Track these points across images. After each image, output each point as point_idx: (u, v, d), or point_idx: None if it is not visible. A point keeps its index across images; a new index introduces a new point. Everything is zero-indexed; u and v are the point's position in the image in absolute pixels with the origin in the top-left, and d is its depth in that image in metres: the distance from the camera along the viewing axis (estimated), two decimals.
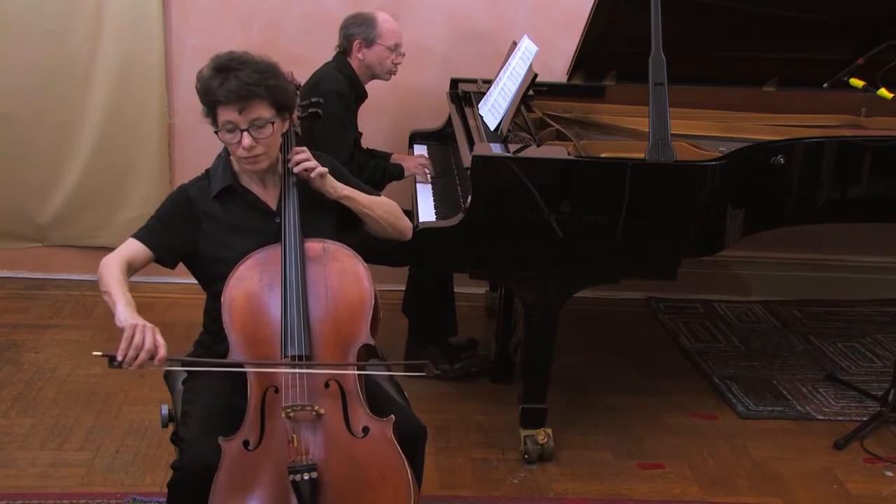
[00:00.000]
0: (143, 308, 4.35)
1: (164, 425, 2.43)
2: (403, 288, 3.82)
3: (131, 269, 2.32)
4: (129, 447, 3.16)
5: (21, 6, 4.05)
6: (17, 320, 4.05)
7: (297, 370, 2.19)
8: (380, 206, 2.54)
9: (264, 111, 2.30)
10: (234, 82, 2.25)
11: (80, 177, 4.26)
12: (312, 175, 2.40)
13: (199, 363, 2.36)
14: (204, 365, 2.36)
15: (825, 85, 3.49)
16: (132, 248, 2.34)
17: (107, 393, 3.48)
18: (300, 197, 2.39)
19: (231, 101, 2.26)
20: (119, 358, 2.06)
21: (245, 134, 2.29)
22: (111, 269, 2.27)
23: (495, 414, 3.46)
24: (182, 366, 2.36)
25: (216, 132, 2.33)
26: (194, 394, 2.35)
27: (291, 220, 2.35)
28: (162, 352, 2.08)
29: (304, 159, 2.40)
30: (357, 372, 2.25)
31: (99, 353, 2.09)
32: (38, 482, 2.95)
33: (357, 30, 3.59)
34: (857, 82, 3.28)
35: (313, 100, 2.65)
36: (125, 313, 2.15)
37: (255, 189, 2.43)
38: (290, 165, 2.41)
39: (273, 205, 2.43)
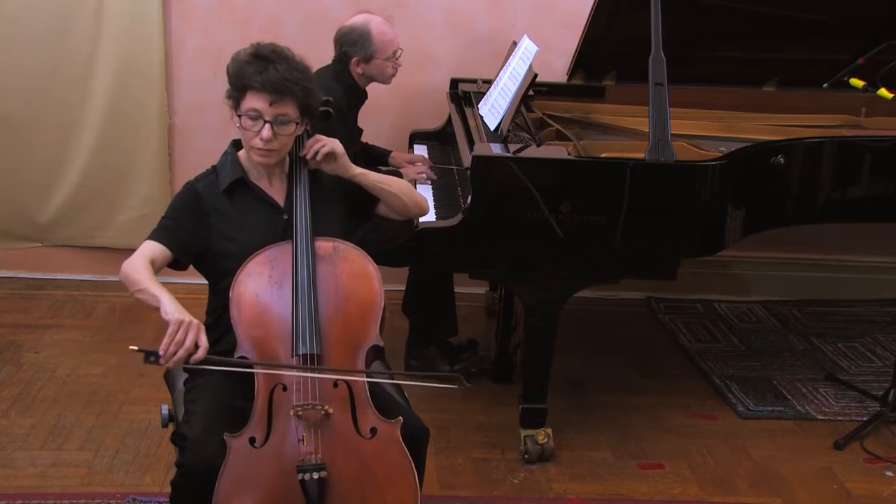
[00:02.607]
0: (143, 308, 4.33)
1: (164, 425, 2.43)
2: (403, 288, 3.81)
3: (153, 269, 2.30)
4: (129, 447, 3.16)
5: (21, 7, 4.05)
6: (17, 320, 4.05)
7: (318, 375, 2.18)
8: (394, 181, 2.57)
9: (291, 110, 2.32)
10: (274, 73, 2.27)
11: (80, 177, 4.26)
12: (325, 150, 2.41)
13: (227, 363, 2.25)
14: (230, 365, 2.24)
15: (825, 85, 3.50)
16: (151, 248, 2.33)
17: (107, 393, 3.48)
18: (310, 193, 2.40)
19: (266, 90, 2.27)
20: (161, 352, 2.07)
21: (267, 126, 2.30)
22: (138, 267, 2.26)
23: (495, 414, 3.46)
24: (216, 364, 2.24)
25: (239, 116, 2.33)
26: (197, 393, 2.35)
27: (302, 218, 2.35)
28: (201, 353, 2.10)
29: (318, 147, 2.42)
30: (377, 381, 2.25)
31: (135, 349, 2.09)
32: (38, 482, 2.95)
33: (352, 48, 3.54)
34: (857, 82, 3.28)
35: (324, 98, 2.65)
36: (172, 306, 2.14)
37: (263, 185, 2.44)
38: (305, 156, 2.42)
39: (280, 201, 2.43)
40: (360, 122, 3.76)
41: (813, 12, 3.63)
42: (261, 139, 2.31)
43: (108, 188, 4.28)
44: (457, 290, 3.73)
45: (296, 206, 2.37)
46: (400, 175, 3.64)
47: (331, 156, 2.44)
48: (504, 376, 3.71)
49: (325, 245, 2.36)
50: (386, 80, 3.66)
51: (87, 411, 3.36)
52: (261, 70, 2.28)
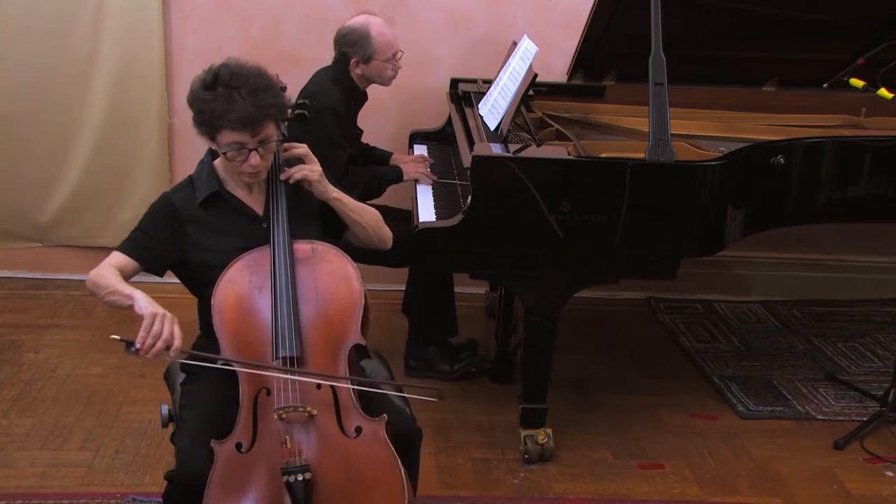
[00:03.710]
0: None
1: (164, 425, 2.43)
2: (403, 288, 3.81)
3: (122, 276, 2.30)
4: (129, 447, 3.16)
5: (21, 7, 4.05)
6: (17, 320, 4.05)
7: (299, 377, 2.18)
8: (366, 212, 2.55)
9: (271, 129, 2.30)
10: (244, 107, 2.21)
11: (80, 177, 4.26)
12: (300, 176, 2.40)
13: (216, 359, 2.27)
14: (212, 361, 2.26)
15: (825, 85, 3.49)
16: (118, 260, 2.33)
17: (107, 393, 3.48)
18: (287, 201, 2.39)
19: (245, 128, 2.23)
20: (137, 346, 2.09)
21: (254, 153, 2.28)
22: (105, 274, 2.26)
23: (495, 414, 3.46)
24: (199, 360, 2.28)
25: (224, 153, 2.30)
26: (189, 399, 2.35)
27: (280, 222, 2.34)
28: (177, 342, 2.11)
29: (302, 171, 2.40)
30: (352, 387, 2.23)
31: (117, 338, 2.12)
32: (38, 482, 2.95)
33: (351, 49, 3.52)
34: (857, 82, 3.28)
35: (299, 101, 2.63)
36: (144, 301, 2.16)
37: (241, 194, 2.42)
38: (283, 178, 2.39)
39: (259, 210, 2.41)
40: (361, 123, 3.75)
41: (813, 12, 3.63)
42: (251, 166, 2.29)
43: (108, 188, 4.28)
44: (457, 290, 3.73)
45: (273, 211, 2.36)
46: (401, 172, 3.64)
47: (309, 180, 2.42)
48: (504, 376, 3.71)
49: (303, 247, 2.35)
50: (385, 82, 3.65)
51: (87, 411, 3.37)
52: (228, 107, 2.21)
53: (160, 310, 2.14)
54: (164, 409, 2.44)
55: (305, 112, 2.61)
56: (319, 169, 2.44)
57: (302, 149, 2.44)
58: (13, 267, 4.42)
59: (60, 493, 2.90)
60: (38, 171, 4.25)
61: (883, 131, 3.71)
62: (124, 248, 2.35)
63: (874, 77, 3.26)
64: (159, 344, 2.09)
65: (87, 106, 4.18)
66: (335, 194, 2.47)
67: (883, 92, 3.22)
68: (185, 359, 2.18)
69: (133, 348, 2.10)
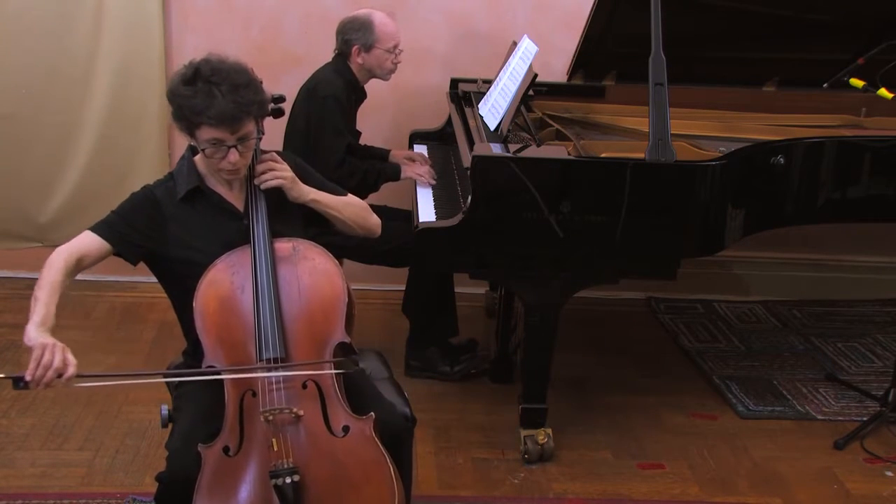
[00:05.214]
0: (143, 308, 4.33)
1: (164, 425, 2.42)
2: (403, 288, 3.81)
3: (81, 264, 2.27)
4: (129, 447, 3.16)
5: (21, 6, 4.05)
6: (17, 320, 4.04)
7: (269, 374, 2.17)
8: (346, 207, 2.51)
9: (251, 126, 2.27)
10: (224, 104, 2.18)
11: (80, 177, 4.26)
12: (274, 184, 2.37)
13: (111, 377, 2.27)
14: (113, 378, 2.28)
15: (825, 85, 3.49)
16: (87, 241, 2.30)
17: (107, 393, 3.47)
18: (267, 197, 2.37)
19: (224, 124, 2.20)
20: (27, 378, 2.02)
21: (233, 150, 2.25)
22: (53, 269, 2.23)
23: (495, 414, 3.46)
24: (95, 381, 2.26)
25: (203, 149, 2.27)
26: (182, 401, 2.35)
27: (260, 221, 2.32)
28: (71, 370, 2.05)
29: (268, 177, 2.37)
30: (331, 371, 2.22)
31: (1, 376, 2.05)
32: (38, 482, 2.95)
33: (354, 35, 3.57)
34: (857, 82, 3.28)
35: (275, 95, 2.63)
36: (35, 332, 2.10)
37: (221, 190, 2.40)
38: (255, 182, 2.37)
39: (240, 206, 2.40)
40: (359, 122, 3.75)
41: (813, 12, 3.63)
42: (230, 163, 2.27)
43: (108, 188, 4.27)
44: (457, 290, 3.73)
45: (253, 209, 2.34)
46: (398, 170, 3.64)
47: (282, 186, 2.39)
48: (504, 376, 3.70)
49: (284, 246, 2.33)
50: (385, 74, 3.67)
51: (87, 411, 3.36)
52: (208, 103, 2.18)
53: (50, 340, 2.06)
54: (164, 409, 2.42)
55: (282, 107, 2.62)
56: (291, 174, 2.40)
57: (271, 155, 2.42)
58: (13, 267, 4.41)
59: (60, 493, 2.90)
60: (38, 171, 4.24)
61: (883, 131, 3.72)
62: (98, 229, 2.31)
63: (874, 77, 3.27)
64: (50, 374, 2.02)
65: (87, 106, 4.18)
66: (311, 196, 2.44)
67: (883, 92, 3.22)
68: (78, 383, 2.10)
69: (21, 383, 2.02)
